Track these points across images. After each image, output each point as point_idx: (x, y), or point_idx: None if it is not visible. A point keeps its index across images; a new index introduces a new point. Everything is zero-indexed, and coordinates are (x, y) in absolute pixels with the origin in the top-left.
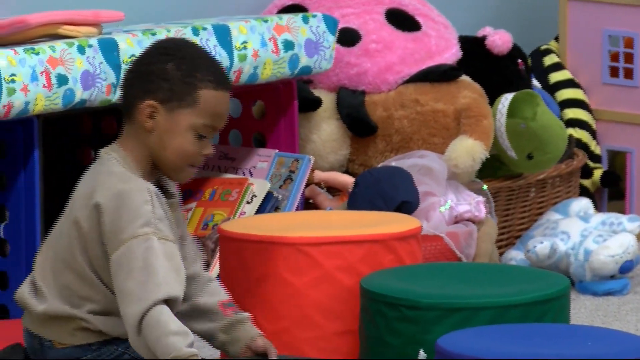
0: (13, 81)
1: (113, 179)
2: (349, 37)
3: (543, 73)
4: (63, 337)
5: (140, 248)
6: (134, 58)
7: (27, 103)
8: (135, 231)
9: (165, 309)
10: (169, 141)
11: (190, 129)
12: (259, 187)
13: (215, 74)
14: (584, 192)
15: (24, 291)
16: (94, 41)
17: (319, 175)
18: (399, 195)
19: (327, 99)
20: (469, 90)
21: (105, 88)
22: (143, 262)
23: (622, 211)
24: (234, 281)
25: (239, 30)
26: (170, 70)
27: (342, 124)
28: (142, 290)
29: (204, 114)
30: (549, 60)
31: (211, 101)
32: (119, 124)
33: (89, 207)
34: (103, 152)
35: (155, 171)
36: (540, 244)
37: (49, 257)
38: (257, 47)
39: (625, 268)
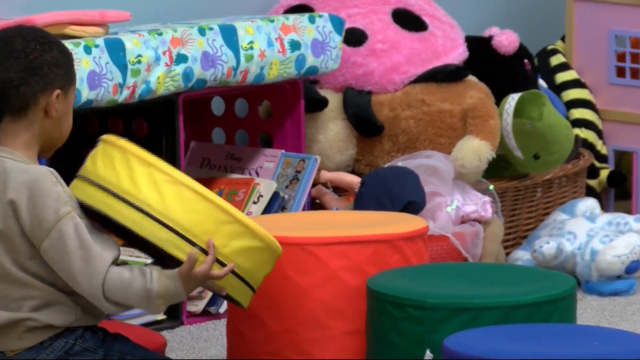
0: None
1: (12, 174)
2: (355, 37)
3: (549, 73)
4: (12, 344)
5: (70, 227)
6: (9, 53)
7: None
8: (58, 214)
9: (113, 270)
10: (65, 122)
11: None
12: (266, 187)
13: (67, 48)
14: (590, 192)
15: None
16: (100, 41)
17: (326, 175)
18: (406, 195)
19: (334, 99)
20: (475, 90)
21: (112, 88)
22: (78, 239)
23: (629, 211)
24: None
25: (246, 31)
26: (59, 56)
27: (349, 124)
28: (89, 266)
29: (75, 85)
30: (555, 60)
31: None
32: (125, 124)
33: (2, 207)
34: None
35: (42, 153)
36: (546, 244)
37: None
38: (263, 47)
39: (632, 268)
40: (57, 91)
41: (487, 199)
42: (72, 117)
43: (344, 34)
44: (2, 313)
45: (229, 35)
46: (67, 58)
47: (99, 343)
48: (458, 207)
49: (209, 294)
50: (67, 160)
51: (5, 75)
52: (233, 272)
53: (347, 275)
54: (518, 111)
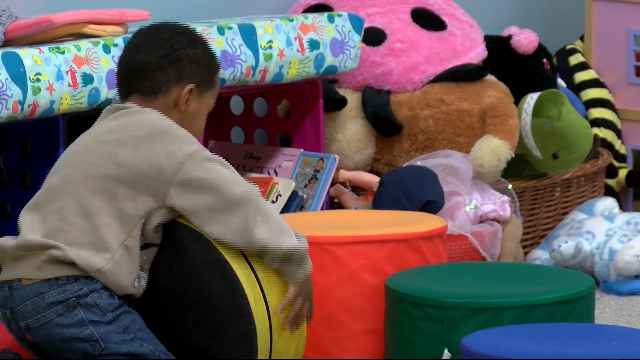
0: (38, 80)
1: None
2: (374, 37)
3: (568, 72)
4: (30, 272)
5: (209, 154)
6: (155, 40)
7: (52, 102)
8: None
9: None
10: (194, 122)
11: (208, 109)
12: (284, 186)
13: (216, 56)
14: (608, 191)
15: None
16: (119, 40)
17: (344, 174)
18: (424, 194)
19: (353, 99)
20: (494, 89)
21: None
22: (218, 161)
23: None
24: None
25: (265, 30)
26: (201, 56)
27: (367, 124)
28: (236, 174)
29: (215, 94)
30: (574, 59)
31: (218, 83)
32: None
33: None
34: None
35: None
36: (565, 244)
37: (43, 191)
38: (282, 46)
39: None
40: (190, 86)
41: (505, 198)
42: (204, 121)
43: (363, 33)
44: (36, 236)
45: (248, 34)
46: (209, 60)
47: (111, 307)
48: (477, 207)
49: None
50: None
51: (145, 58)
52: None
53: (366, 274)
54: (537, 111)
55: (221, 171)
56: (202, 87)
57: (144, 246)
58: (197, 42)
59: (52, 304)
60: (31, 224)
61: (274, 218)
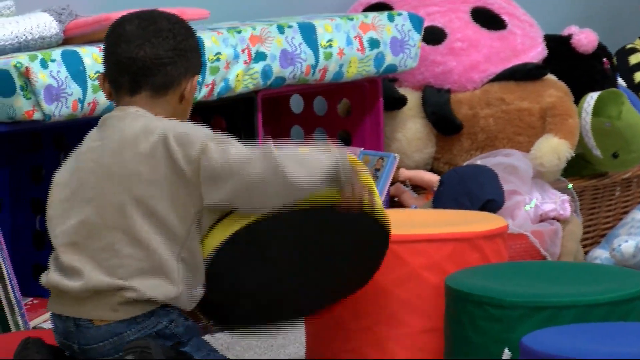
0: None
1: (154, 120)
2: (434, 36)
3: (628, 72)
4: (104, 313)
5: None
6: (156, 32)
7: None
8: (208, 136)
9: None
10: (189, 106)
11: None
12: None
13: None
14: None
15: (51, 274)
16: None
17: (405, 173)
18: (485, 193)
19: (413, 98)
20: (554, 89)
21: None
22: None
23: None
24: None
25: (325, 29)
26: (196, 42)
27: (428, 123)
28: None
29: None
30: (634, 59)
31: None
32: (204, 122)
33: (151, 148)
34: (126, 109)
35: None
36: (625, 243)
37: (79, 222)
38: (342, 45)
39: None
40: (197, 76)
41: (565, 197)
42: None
43: (423, 32)
44: (104, 277)
45: (308, 33)
46: (199, 46)
47: (187, 332)
48: (537, 206)
49: None
50: None
51: (155, 52)
52: None
53: (427, 273)
54: (597, 110)
55: (233, 152)
56: (198, 74)
57: None
58: (190, 30)
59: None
60: (84, 264)
61: (301, 161)
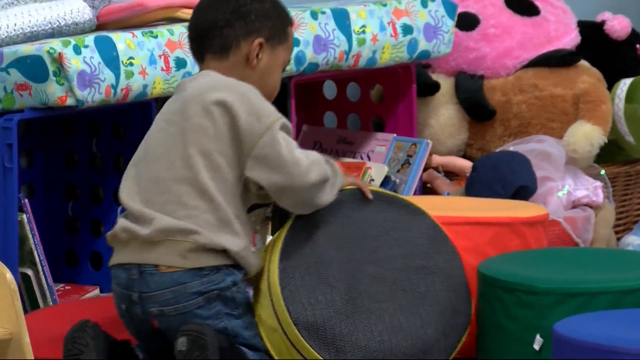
0: (131, 64)
1: (223, 81)
2: (467, 22)
3: None
4: (173, 259)
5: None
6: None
7: (145, 86)
8: (274, 115)
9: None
10: (269, 77)
11: (283, 64)
12: (377, 171)
13: (287, 9)
14: None
15: (120, 222)
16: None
17: (437, 159)
18: (517, 180)
19: (446, 84)
20: (587, 75)
21: None
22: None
23: None
24: None
25: (358, 14)
26: (269, 9)
27: (460, 109)
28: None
29: (290, 49)
30: None
31: (292, 36)
32: None
33: (211, 103)
34: (200, 73)
35: None
36: None
37: (148, 179)
38: (375, 31)
39: None
40: (259, 39)
41: (598, 183)
42: (279, 77)
43: (456, 18)
44: (176, 222)
45: (342, 19)
46: (279, 13)
47: (244, 302)
48: (569, 192)
49: None
50: None
51: (213, 16)
52: None
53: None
54: (630, 96)
55: (294, 153)
56: (272, 40)
57: (252, 208)
58: None
59: (195, 294)
60: (155, 213)
61: (333, 184)
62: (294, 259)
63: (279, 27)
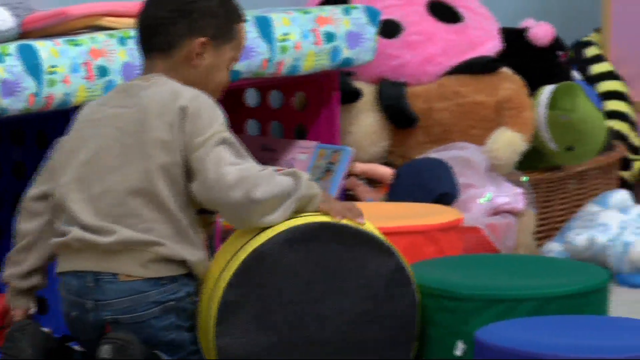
0: (55, 72)
1: (184, 90)
2: (390, 29)
3: (584, 65)
4: (133, 269)
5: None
6: None
7: (68, 94)
8: (216, 127)
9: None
10: (213, 76)
11: (229, 62)
12: None
13: (239, 7)
14: (623, 184)
15: (74, 232)
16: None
17: (359, 166)
18: (440, 187)
19: (368, 91)
20: (509, 82)
21: None
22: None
23: None
24: None
25: (282, 22)
26: (216, 7)
27: (382, 116)
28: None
29: (238, 47)
30: (590, 52)
31: (243, 34)
32: None
33: (171, 115)
34: (150, 77)
35: None
36: (579, 236)
37: (101, 191)
38: (299, 38)
39: None
40: (202, 39)
41: (520, 190)
42: (225, 76)
43: (379, 25)
44: (138, 235)
45: (265, 26)
46: (226, 11)
47: (194, 314)
48: (491, 199)
49: None
50: None
51: (156, 12)
52: None
53: None
54: (553, 103)
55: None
56: (218, 39)
57: (198, 212)
58: None
59: (153, 303)
60: (113, 226)
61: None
62: (240, 293)
63: (225, 26)
